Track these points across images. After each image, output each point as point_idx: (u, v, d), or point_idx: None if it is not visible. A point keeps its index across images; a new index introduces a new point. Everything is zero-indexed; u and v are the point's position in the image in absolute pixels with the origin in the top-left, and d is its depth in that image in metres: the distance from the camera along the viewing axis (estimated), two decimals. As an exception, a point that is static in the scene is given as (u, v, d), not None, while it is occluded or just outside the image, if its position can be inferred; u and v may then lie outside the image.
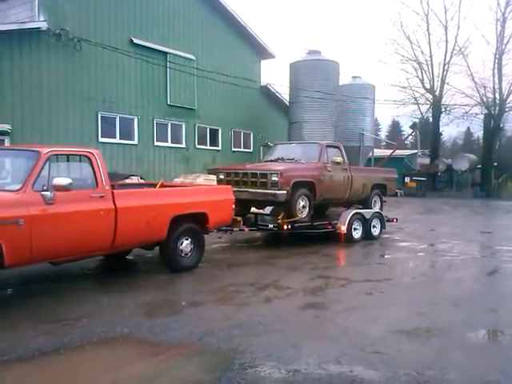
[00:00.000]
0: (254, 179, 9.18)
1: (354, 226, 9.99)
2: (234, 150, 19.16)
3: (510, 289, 6.46)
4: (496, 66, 30.41)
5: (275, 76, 63.75)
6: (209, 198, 7.34)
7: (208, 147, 18.05)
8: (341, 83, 20.95)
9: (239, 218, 8.55)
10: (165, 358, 3.88)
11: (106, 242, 5.83)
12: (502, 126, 31.69)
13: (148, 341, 4.28)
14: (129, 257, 7.98)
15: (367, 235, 10.29)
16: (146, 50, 15.13)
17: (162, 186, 8.21)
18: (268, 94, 20.98)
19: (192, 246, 7.06)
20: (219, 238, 9.25)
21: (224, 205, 7.62)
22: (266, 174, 8.98)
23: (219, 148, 18.57)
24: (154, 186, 8.27)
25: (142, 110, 15.28)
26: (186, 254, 6.99)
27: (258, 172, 9.14)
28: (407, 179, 29.08)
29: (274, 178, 8.84)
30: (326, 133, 18.11)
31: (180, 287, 6.37)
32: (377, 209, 11.31)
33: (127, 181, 11.56)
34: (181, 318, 4.95)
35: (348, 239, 9.83)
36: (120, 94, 14.70)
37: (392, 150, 24.56)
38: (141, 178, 12.34)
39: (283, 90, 20.75)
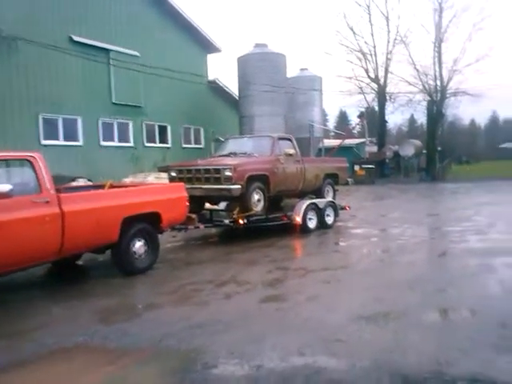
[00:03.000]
0: (207, 175, 9.04)
1: (308, 217, 10.07)
2: (184, 146, 18.88)
3: (458, 269, 6.70)
4: (436, 54, 31.62)
5: (224, 71, 63.37)
6: (161, 196, 7.15)
7: (157, 145, 17.68)
8: (289, 75, 21.07)
9: (193, 216, 8.41)
10: (122, 365, 3.72)
11: (53, 248, 5.55)
12: (443, 111, 33.04)
13: (104, 349, 4.10)
14: (79, 262, 7.66)
15: (322, 224, 10.40)
16: (86, 47, 14.55)
17: (111, 186, 7.92)
18: (217, 88, 20.80)
19: (146, 247, 6.86)
20: (174, 236, 9.06)
21: (177, 203, 7.45)
22: (219, 169, 8.87)
23: (169, 145, 18.24)
24: (102, 187, 7.96)
25: (85, 109, 14.71)
26: (140, 256, 6.78)
27: (211, 167, 9.02)
28: (357, 167, 29.77)
29: (228, 173, 8.74)
30: (276, 125, 18.16)
31: (136, 290, 6.17)
32: (330, 198, 11.46)
33: (74, 183, 11.08)
34: (138, 322, 4.78)
35: (303, 229, 9.90)
36: (62, 94, 14.08)
37: (341, 140, 25.04)
38: (88, 180, 11.87)
39: (232, 85, 20.66)
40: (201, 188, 9.02)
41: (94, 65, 14.75)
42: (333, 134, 48.84)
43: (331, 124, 76.57)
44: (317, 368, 3.50)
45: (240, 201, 9.08)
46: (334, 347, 3.94)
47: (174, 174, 9.60)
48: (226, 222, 9.03)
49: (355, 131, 49.04)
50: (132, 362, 3.80)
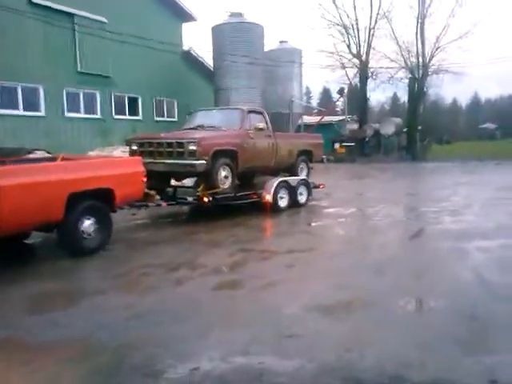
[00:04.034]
0: (169, 149, 8.42)
1: (279, 195, 9.57)
2: (156, 119, 18.08)
3: (430, 253, 6.31)
4: (419, 30, 30.96)
5: (199, 41, 61.14)
6: (114, 171, 6.53)
7: (127, 117, 16.85)
8: (268, 49, 20.29)
9: (152, 192, 7.83)
10: (38, 367, 3.19)
11: (-14, 226, 4.94)
12: (425, 89, 32.63)
13: (24, 344, 3.57)
14: (28, 241, 7.05)
15: (294, 203, 9.93)
16: (48, 10, 13.53)
17: (64, 159, 7.26)
18: (192, 59, 19.90)
19: (96, 226, 6.28)
20: (133, 214, 8.49)
21: (132, 178, 6.85)
22: (183, 143, 8.25)
23: (140, 118, 17.42)
24: (54, 160, 7.30)
25: (48, 78, 13.78)
26: (90, 235, 6.19)
27: (174, 141, 8.39)
28: (337, 145, 29.34)
29: (192, 147, 8.14)
30: (253, 99, 17.48)
31: (81, 273, 5.61)
32: (304, 176, 10.97)
33: (31, 156, 10.34)
34: (73, 311, 4.25)
35: (274, 208, 9.41)
36: (21, 60, 13.11)
37: (321, 117, 24.49)
38: (47, 153, 11.11)
39: (208, 56, 19.78)
40: (163, 163, 8.41)
41: (57, 30, 13.77)
42: (315, 110, 48.26)
43: (315, 101, 75.77)
44: (259, 371, 3.03)
45: (205, 177, 8.51)
46: (286, 344, 3.48)
47: (135, 147, 8.95)
48: (190, 199, 8.47)
49: (337, 109, 48.50)
50: (51, 362, 3.27)
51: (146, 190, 7.67)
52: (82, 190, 5.97)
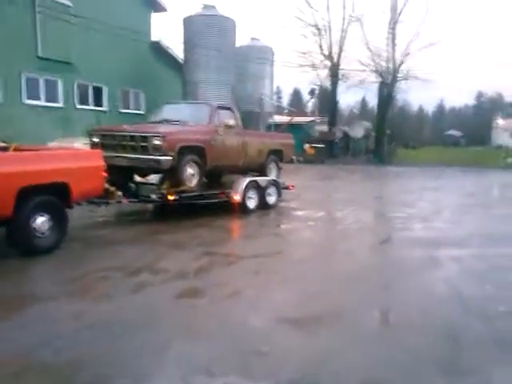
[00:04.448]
0: (133, 143, 7.96)
1: (248, 195, 9.25)
2: (122, 111, 17.37)
3: (402, 260, 6.15)
4: (390, 35, 31.30)
5: (170, 33, 59.82)
6: (71, 164, 6.05)
7: (91, 107, 16.09)
8: (239, 45, 19.91)
9: (113, 189, 7.37)
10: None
11: None
12: (394, 94, 33.01)
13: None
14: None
15: (263, 204, 9.63)
16: (7, -11, 12.70)
17: (17, 150, 6.71)
18: (160, 50, 19.27)
19: (50, 223, 5.79)
20: (91, 211, 7.97)
21: (91, 173, 6.39)
22: (147, 137, 7.81)
23: (105, 108, 16.69)
24: (6, 150, 6.73)
25: (5, 61, 12.92)
26: (43, 234, 5.71)
27: (138, 135, 7.94)
28: (306, 146, 29.27)
29: (157, 142, 7.71)
30: (223, 95, 17.06)
31: (30, 276, 5.13)
32: (273, 176, 10.68)
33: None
34: (15, 321, 3.81)
35: (242, 209, 9.10)
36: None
37: (290, 117, 24.34)
38: (2, 142, 10.41)
39: (178, 49, 19.20)
40: (126, 157, 7.95)
41: (16, 11, 12.92)
42: (286, 110, 48.20)
43: (285, 101, 75.82)
44: (223, 397, 2.71)
45: (171, 174, 8.11)
46: (252, 362, 3.18)
47: (96, 139, 8.44)
48: (154, 197, 8.03)
49: (308, 110, 48.61)
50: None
51: (107, 186, 7.22)
52: (33, 184, 5.48)
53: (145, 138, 7.80)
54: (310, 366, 3.13)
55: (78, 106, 15.56)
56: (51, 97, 14.62)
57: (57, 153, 6.28)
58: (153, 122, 9.15)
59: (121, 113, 17.26)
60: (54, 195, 5.86)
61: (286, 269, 5.53)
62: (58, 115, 14.67)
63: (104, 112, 16.59)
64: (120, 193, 8.05)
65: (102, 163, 6.56)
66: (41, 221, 5.66)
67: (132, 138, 7.96)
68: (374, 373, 3.09)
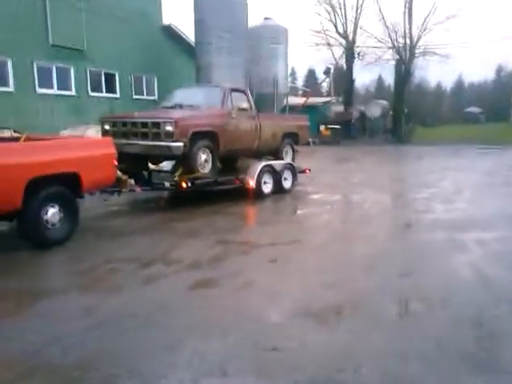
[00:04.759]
0: (144, 129, 7.80)
1: (263, 180, 9.05)
2: (135, 97, 17.17)
3: (424, 245, 5.89)
4: (407, 10, 30.36)
5: (180, 15, 58.60)
6: (81, 153, 5.91)
7: (104, 94, 15.92)
8: (251, 25, 19.44)
9: (125, 177, 7.23)
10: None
11: None
12: (411, 71, 32.13)
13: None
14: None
15: (278, 189, 9.43)
16: (15, -24, 12.52)
17: (28, 140, 6.60)
18: (172, 33, 18.92)
19: (61, 215, 5.69)
20: (105, 200, 7.86)
21: (102, 161, 6.24)
22: (159, 123, 7.63)
23: (117, 95, 16.50)
24: (17, 140, 6.63)
25: (17, 50, 12.80)
26: (54, 225, 5.61)
27: (149, 121, 7.76)
28: (322, 127, 28.81)
29: (169, 128, 7.52)
30: (236, 78, 16.69)
31: (41, 269, 5.03)
32: (288, 159, 10.44)
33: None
34: (24, 318, 3.70)
35: (258, 194, 8.91)
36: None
37: (305, 98, 23.87)
38: (14, 131, 10.35)
39: (189, 30, 18.82)
40: (137, 144, 7.79)
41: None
42: (301, 91, 47.48)
43: (300, 82, 74.80)
44: (237, 401, 2.55)
45: (183, 161, 7.93)
46: (268, 359, 3.01)
47: (107, 127, 8.30)
48: (167, 184, 7.88)
49: (322, 90, 47.80)
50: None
51: (119, 174, 7.09)
52: (43, 175, 5.36)
53: (156, 125, 7.62)
54: (330, 363, 2.95)
55: (91, 94, 15.42)
56: (63, 85, 14.49)
57: (66, 142, 6.14)
58: (164, 108, 8.96)
59: (134, 99, 17.07)
60: (65, 186, 5.74)
61: (303, 256, 5.33)
62: (70, 103, 14.57)
63: (117, 99, 16.43)
64: (132, 181, 7.96)
65: (113, 151, 6.41)
66: (51, 212, 5.56)
67: (143, 124, 7.79)
68: (398, 368, 2.90)
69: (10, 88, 12.86)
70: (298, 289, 4.26)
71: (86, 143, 6.34)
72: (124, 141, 7.85)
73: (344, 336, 3.34)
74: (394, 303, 3.98)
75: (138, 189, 7.66)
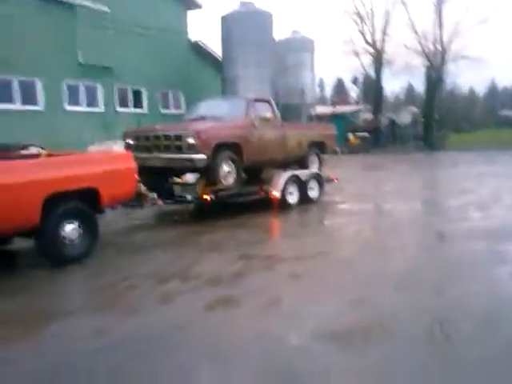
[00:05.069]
0: (167, 142, 7.70)
1: (289, 190, 8.78)
2: (162, 112, 17.33)
3: (460, 258, 5.47)
4: (436, 16, 29.70)
5: (206, 30, 59.48)
6: (100, 168, 5.82)
7: (131, 110, 16.13)
8: (279, 38, 19.48)
9: (145, 191, 7.09)
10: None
11: None
12: (443, 78, 31.31)
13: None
14: (7, 247, 6.36)
15: (305, 199, 9.14)
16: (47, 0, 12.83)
17: (49, 156, 6.59)
18: (198, 48, 19.09)
19: (80, 231, 5.58)
20: (128, 214, 7.77)
21: (122, 176, 6.13)
22: (181, 135, 7.52)
23: (145, 110, 16.69)
24: (37, 156, 6.63)
25: (47, 70, 13.11)
26: (72, 242, 5.50)
27: (172, 134, 7.66)
28: (350, 136, 28.34)
29: (191, 140, 7.40)
30: (263, 90, 16.60)
31: (57, 288, 4.89)
32: (315, 169, 10.15)
33: (23, 152, 9.69)
34: (31, 340, 3.55)
35: (283, 205, 8.65)
36: (17, 52, 12.42)
37: (333, 107, 23.56)
38: (41, 148, 10.48)
39: (214, 45, 18.96)
40: (159, 158, 7.70)
41: (56, 20, 13.05)
42: (329, 101, 47.11)
43: (328, 92, 74.42)
44: None
45: (206, 173, 7.77)
46: (288, 389, 2.72)
47: (130, 141, 8.24)
48: (189, 197, 7.72)
49: (351, 99, 47.25)
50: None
51: (141, 188, 6.98)
52: (61, 190, 5.28)
53: (178, 137, 7.52)
54: (357, 393, 2.65)
55: (118, 110, 15.62)
56: (91, 102, 14.75)
57: (85, 157, 6.06)
58: (188, 120, 8.85)
59: (161, 114, 17.21)
60: (83, 201, 5.64)
61: (329, 272, 5.02)
62: (98, 120, 14.77)
63: (144, 114, 16.58)
64: (155, 194, 7.83)
65: (132, 165, 6.30)
66: (70, 228, 5.45)
67: (166, 137, 7.70)
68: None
69: (40, 107, 13.15)
70: (324, 308, 3.95)
71: (105, 158, 6.24)
72: (147, 154, 7.78)
73: (372, 362, 3.02)
74: (429, 325, 3.62)
75: (160, 202, 7.51)
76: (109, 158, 6.23)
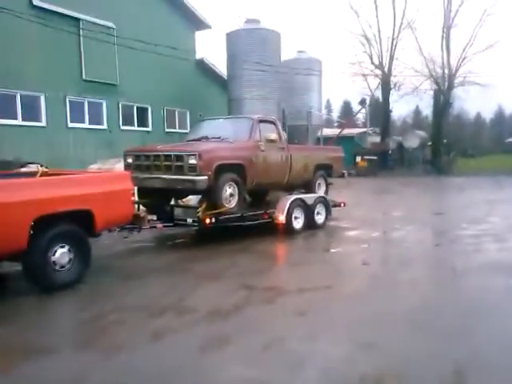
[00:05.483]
0: (167, 163, 7.41)
1: (294, 215, 8.43)
2: (167, 130, 17.15)
3: (477, 293, 5.08)
4: (444, 40, 29.67)
5: (213, 49, 59.77)
6: (95, 189, 5.51)
7: (136, 128, 15.95)
8: (286, 58, 19.34)
9: (143, 214, 6.78)
10: None
11: None
12: (451, 102, 31.14)
13: None
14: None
15: (311, 224, 8.79)
16: (51, 14, 12.76)
17: (45, 174, 6.31)
18: (205, 68, 19.02)
19: (71, 256, 5.25)
20: (125, 238, 7.43)
21: (118, 197, 5.82)
22: (183, 155, 7.23)
23: (149, 129, 16.51)
24: (33, 175, 6.35)
25: (50, 85, 12.99)
26: (63, 267, 5.18)
27: (173, 154, 7.37)
28: (358, 158, 28.05)
29: (192, 161, 7.10)
30: (269, 110, 16.41)
31: (41, 317, 4.52)
32: (321, 193, 9.82)
33: (23, 169, 9.44)
34: None
35: (288, 230, 8.30)
36: (21, 66, 12.33)
37: (340, 130, 23.34)
38: (41, 166, 10.23)
39: (221, 64, 18.87)
40: (160, 178, 7.39)
41: (60, 35, 12.95)
42: (336, 123, 47.02)
43: (335, 114, 74.56)
44: None
45: (208, 195, 7.44)
46: None
47: (130, 160, 7.96)
48: (189, 221, 7.38)
49: (358, 121, 47.17)
50: None
51: (139, 210, 6.67)
52: (51, 212, 4.97)
53: (180, 158, 7.22)
54: None
55: (123, 128, 15.45)
56: (95, 119, 14.58)
57: (79, 177, 5.75)
58: (191, 140, 8.58)
59: (166, 132, 17.03)
60: (76, 224, 5.33)
61: (334, 308, 4.63)
62: (102, 137, 14.59)
63: (149, 132, 16.41)
64: (155, 217, 7.54)
65: (130, 186, 6.00)
66: (60, 253, 5.14)
67: (166, 157, 7.41)
68: None
69: (43, 123, 12.97)
70: (329, 351, 3.57)
71: (100, 178, 5.93)
72: (147, 175, 7.50)
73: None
74: (445, 374, 3.22)
75: (159, 225, 7.22)
76: (104, 179, 5.91)
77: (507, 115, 79.74)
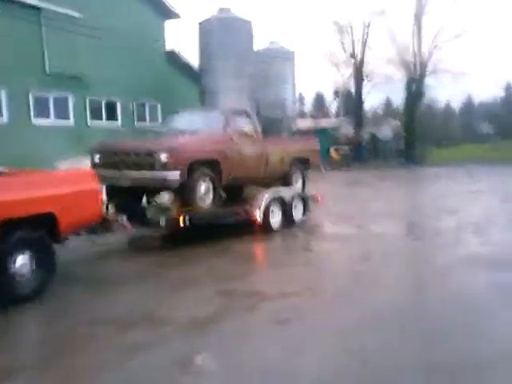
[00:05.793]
0: (137, 159, 6.99)
1: (270, 211, 8.12)
2: (138, 124, 16.55)
3: (468, 291, 4.91)
4: (416, 28, 29.74)
5: (185, 41, 58.63)
6: (57, 190, 5.07)
7: (104, 123, 15.28)
8: (258, 48, 18.92)
9: (111, 215, 6.37)
10: None
11: None
12: (423, 90, 31.30)
13: None
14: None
15: (289, 221, 8.49)
16: (9, 2, 12.00)
17: (3, 176, 5.81)
18: (176, 59, 18.42)
19: (33, 264, 4.82)
20: (93, 241, 6.98)
21: (84, 198, 5.39)
22: (152, 152, 6.82)
23: (119, 123, 15.88)
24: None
25: (11, 79, 12.22)
26: (24, 277, 4.74)
27: (142, 150, 6.96)
28: (332, 151, 27.93)
29: (163, 158, 6.71)
30: (242, 102, 15.98)
31: (2, 336, 4.11)
32: (299, 187, 9.55)
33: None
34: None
35: (265, 228, 7.99)
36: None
37: (314, 121, 23.16)
38: None
39: (193, 55, 18.34)
40: (129, 176, 6.97)
41: (20, 26, 12.18)
42: (309, 114, 46.99)
43: (308, 106, 74.55)
44: None
45: (181, 193, 7.06)
46: None
47: (97, 157, 7.49)
48: (162, 221, 6.96)
49: (331, 113, 47.18)
50: None
51: (110, 211, 6.25)
52: (11, 217, 4.52)
53: (150, 154, 6.82)
54: None
55: (91, 123, 14.79)
56: (61, 114, 13.88)
57: (39, 178, 5.29)
58: (161, 134, 8.16)
59: (136, 127, 16.43)
60: (38, 228, 4.89)
61: (318, 311, 4.38)
62: (68, 133, 13.86)
63: (118, 127, 15.79)
64: (124, 218, 7.09)
65: (96, 186, 5.57)
66: (21, 261, 4.70)
67: (136, 154, 6.99)
68: None
69: (4, 119, 12.24)
70: (315, 361, 3.31)
71: (62, 178, 5.46)
72: (115, 172, 7.06)
73: None
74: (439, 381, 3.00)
75: (128, 227, 6.78)
76: (69, 178, 5.46)
77: (476, 103, 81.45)
